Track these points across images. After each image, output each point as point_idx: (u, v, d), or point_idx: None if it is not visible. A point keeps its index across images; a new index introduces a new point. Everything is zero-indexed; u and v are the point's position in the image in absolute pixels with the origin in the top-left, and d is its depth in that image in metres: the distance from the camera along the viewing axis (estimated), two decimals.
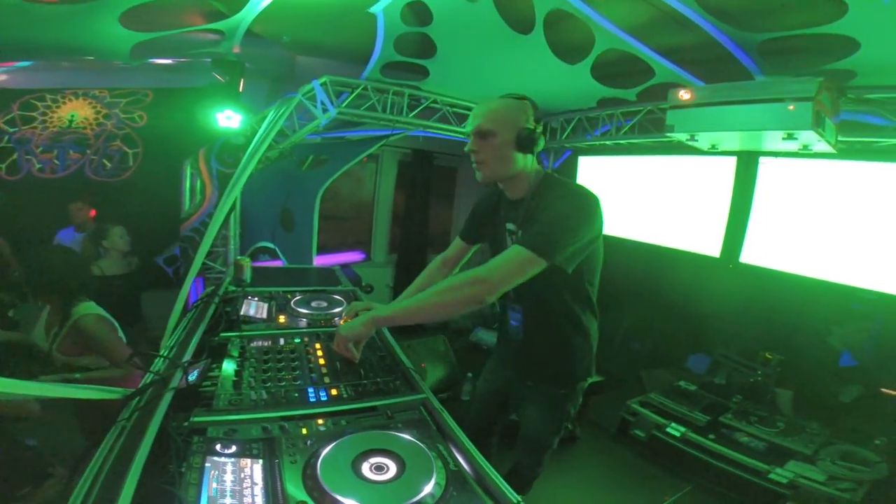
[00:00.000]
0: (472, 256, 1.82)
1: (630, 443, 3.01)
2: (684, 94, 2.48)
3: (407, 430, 1.05)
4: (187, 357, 1.34)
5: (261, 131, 2.90)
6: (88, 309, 1.96)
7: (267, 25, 2.58)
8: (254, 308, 1.90)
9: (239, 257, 2.30)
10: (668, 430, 2.82)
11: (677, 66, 2.64)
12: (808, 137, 2.15)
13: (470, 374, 3.38)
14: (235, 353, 1.41)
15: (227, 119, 2.91)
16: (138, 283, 3.17)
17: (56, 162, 3.72)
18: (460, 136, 3.86)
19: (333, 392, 1.23)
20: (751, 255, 3.03)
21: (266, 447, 0.95)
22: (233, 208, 3.09)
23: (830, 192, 2.67)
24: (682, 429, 2.78)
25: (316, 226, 3.58)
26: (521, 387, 1.67)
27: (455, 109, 3.69)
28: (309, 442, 0.98)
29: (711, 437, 2.68)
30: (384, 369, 1.36)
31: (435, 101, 3.53)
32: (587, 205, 1.32)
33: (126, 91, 3.73)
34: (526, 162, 1.40)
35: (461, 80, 3.21)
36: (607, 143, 3.72)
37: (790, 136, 2.17)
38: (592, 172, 4.20)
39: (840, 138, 2.31)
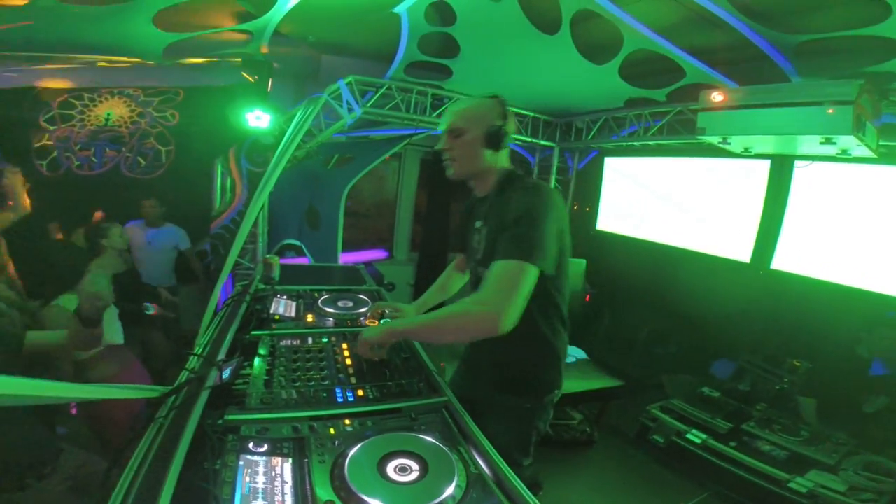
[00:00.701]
0: None
1: (648, 448, 2.97)
2: (717, 96, 2.42)
3: (430, 433, 1.07)
4: (221, 356, 1.37)
5: (290, 131, 2.96)
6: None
7: (293, 25, 2.63)
8: (283, 307, 1.94)
9: (268, 255, 2.35)
10: (689, 436, 2.77)
11: (709, 66, 2.58)
12: (848, 142, 2.07)
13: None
14: (265, 352, 1.44)
15: (257, 119, 2.97)
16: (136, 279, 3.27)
17: (94, 159, 3.88)
18: None
19: (360, 393, 1.25)
20: (782, 261, 2.94)
21: (296, 446, 0.97)
22: (263, 207, 3.16)
23: (869, 198, 2.57)
24: (703, 436, 2.73)
25: (341, 224, 3.63)
26: (486, 397, 1.51)
27: None
28: (336, 442, 1.01)
29: (733, 444, 2.63)
30: (408, 371, 1.38)
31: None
32: (544, 197, 1.31)
33: (158, 90, 3.85)
34: (495, 159, 1.44)
35: (485, 79, 3.20)
36: (635, 143, 3.65)
37: (828, 141, 2.10)
38: (619, 173, 4.13)
39: (882, 142, 2.22)
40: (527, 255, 1.19)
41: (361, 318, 1.88)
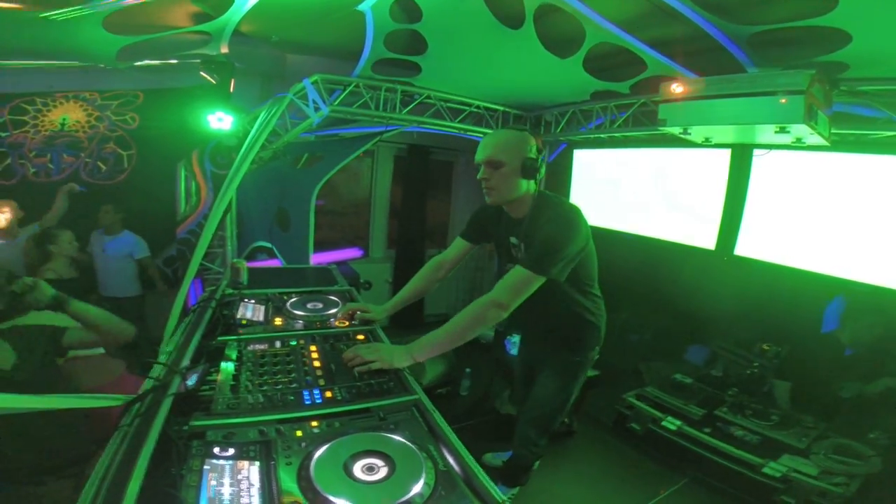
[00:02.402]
0: (466, 259, 2.06)
1: (627, 436, 3.04)
2: (676, 88, 2.47)
3: (398, 431, 1.08)
4: (186, 362, 1.35)
5: (252, 132, 2.89)
6: None
7: (254, 25, 2.57)
8: (251, 311, 1.91)
9: (235, 259, 2.30)
10: (664, 423, 2.84)
11: (669, 58, 2.63)
12: (801, 130, 2.15)
13: (468, 370, 3.40)
14: (233, 357, 1.44)
15: (219, 121, 2.90)
16: (88, 287, 3.18)
17: (50, 166, 3.70)
18: (455, 130, 3.85)
19: (328, 394, 1.26)
20: (745, 247, 3.03)
21: (263, 449, 0.97)
22: (228, 209, 3.09)
23: (825, 185, 2.67)
24: (678, 422, 2.80)
25: (312, 224, 3.58)
26: (540, 355, 2.07)
27: (449, 105, 3.68)
28: (304, 444, 1.01)
29: (706, 430, 2.70)
30: (378, 370, 1.39)
31: (429, 97, 3.52)
32: (571, 224, 1.58)
33: (117, 93, 3.71)
34: (528, 186, 1.66)
35: (454, 75, 3.20)
36: (602, 136, 3.72)
37: (783, 130, 2.17)
38: (588, 165, 4.20)
39: (833, 130, 2.31)
40: (537, 269, 1.50)
41: (331, 320, 1.87)
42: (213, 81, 2.93)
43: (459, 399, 3.31)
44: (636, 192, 3.76)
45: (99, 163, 3.80)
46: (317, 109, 3.11)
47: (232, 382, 1.25)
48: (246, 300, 2.04)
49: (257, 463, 0.92)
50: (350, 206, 5.15)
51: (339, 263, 3.92)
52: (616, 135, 3.56)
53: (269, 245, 3.58)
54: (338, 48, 2.95)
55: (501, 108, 3.99)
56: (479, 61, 2.97)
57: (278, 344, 1.60)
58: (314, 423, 1.09)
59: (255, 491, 0.85)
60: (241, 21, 2.40)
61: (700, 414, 2.84)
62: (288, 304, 2.03)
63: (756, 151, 2.90)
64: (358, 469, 0.93)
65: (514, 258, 1.76)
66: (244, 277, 2.29)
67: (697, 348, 3.50)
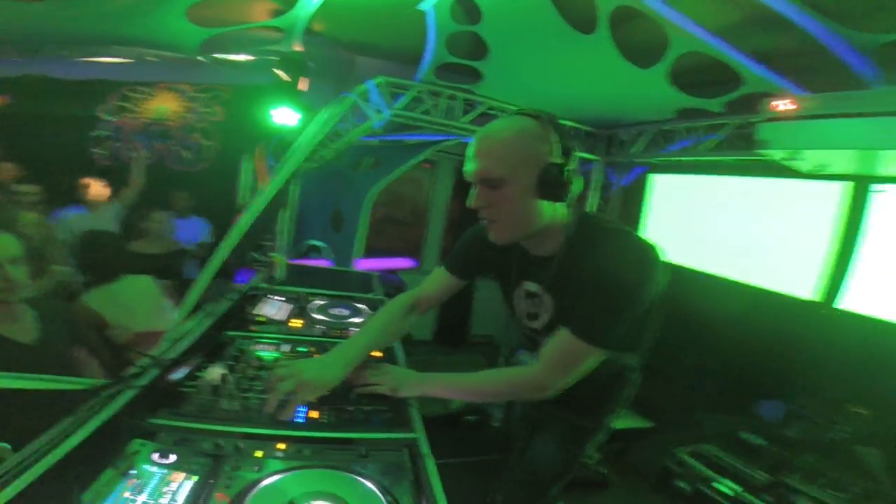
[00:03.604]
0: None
1: (671, 495, 2.64)
2: (784, 104, 2.08)
3: (375, 475, 0.91)
4: (176, 353, 1.30)
5: (310, 128, 2.93)
6: None
7: (325, 24, 2.60)
8: (274, 308, 1.87)
9: (273, 254, 2.30)
10: (718, 485, 2.42)
11: (773, 73, 2.26)
12: None
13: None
14: (232, 355, 1.36)
15: (285, 116, 2.97)
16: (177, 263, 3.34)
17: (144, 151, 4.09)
18: None
19: (313, 414, 1.13)
20: (852, 299, 2.50)
21: (209, 465, 0.87)
22: (284, 205, 3.15)
23: None
24: (736, 487, 2.37)
25: (363, 228, 3.58)
26: (547, 413, 1.53)
27: None
28: (257, 467, 0.89)
29: (768, 499, 2.27)
30: (381, 395, 1.22)
31: (491, 108, 3.36)
32: (642, 268, 1.02)
33: (208, 87, 4.01)
34: (556, 211, 1.06)
35: (517, 83, 3.02)
36: (686, 159, 3.31)
37: None
38: (667, 192, 3.78)
39: None
40: (599, 341, 1.05)
41: (350, 329, 1.77)
42: (286, 79, 3.02)
43: (489, 429, 3.08)
44: (721, 227, 3.30)
45: (183, 151, 4.12)
46: (378, 112, 3.09)
47: (217, 384, 1.16)
48: (274, 297, 2.01)
49: (195, 479, 0.82)
50: (410, 215, 5.13)
51: (388, 272, 3.88)
52: (704, 159, 3.15)
53: (322, 244, 3.63)
54: (403, 52, 2.92)
55: (571, 123, 3.73)
56: (546, 69, 2.76)
57: (286, 348, 1.50)
58: (281, 446, 0.98)
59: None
60: (313, 20, 2.44)
61: (765, 480, 2.38)
62: (311, 306, 1.97)
63: (875, 186, 2.39)
64: None
65: (533, 314, 1.24)
66: (279, 273, 2.28)
67: (772, 404, 2.99)
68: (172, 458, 0.86)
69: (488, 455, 2.70)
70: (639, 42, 2.30)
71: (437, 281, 1.39)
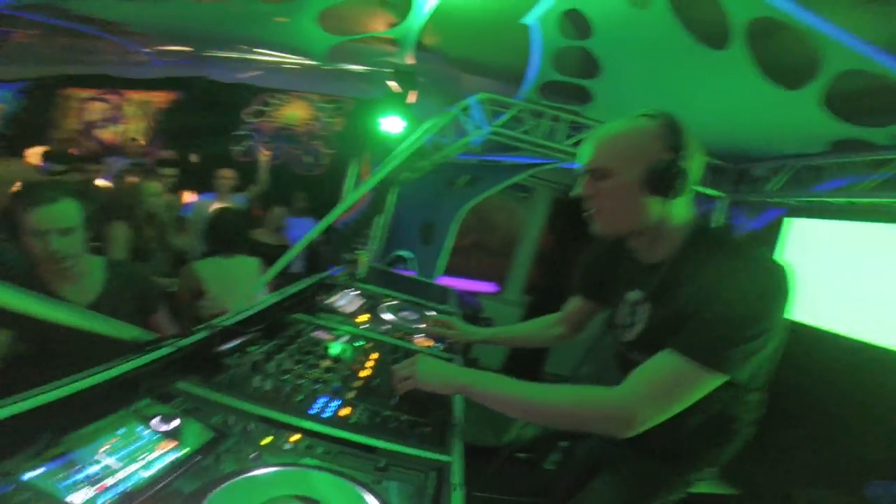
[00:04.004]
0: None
1: None
2: None
3: (387, 495, 0.79)
4: (231, 322, 1.27)
5: (411, 137, 3.03)
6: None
7: (434, 37, 2.68)
8: (345, 301, 1.89)
9: (358, 251, 2.38)
10: None
11: None
12: None
13: (566, 444, 2.86)
14: (288, 336, 1.36)
15: (391, 124, 3.12)
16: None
17: (275, 153, 4.63)
18: None
19: (343, 411, 1.04)
20: None
21: (209, 441, 0.81)
22: (381, 211, 3.30)
23: None
24: None
25: (450, 243, 3.57)
26: (616, 451, 1.28)
27: None
28: (253, 455, 0.81)
29: None
30: (424, 405, 1.10)
31: None
32: (772, 284, 0.89)
33: (334, 98, 4.42)
34: (665, 210, 0.98)
35: (632, 104, 2.73)
36: (838, 201, 2.73)
37: None
38: (808, 240, 3.15)
39: None
40: (712, 362, 0.86)
41: (415, 336, 1.72)
42: (398, 90, 3.18)
43: (540, 473, 2.80)
44: (869, 282, 2.63)
45: (305, 156, 4.57)
46: (478, 129, 3.08)
47: (260, 360, 1.15)
48: (350, 291, 2.04)
49: (184, 451, 0.77)
50: (499, 244, 4.99)
51: (468, 293, 3.82)
52: (862, 200, 2.56)
53: (409, 255, 3.71)
54: (508, 69, 2.89)
55: None
56: (667, 89, 2.49)
57: (344, 338, 1.46)
58: (294, 438, 0.89)
59: (136, 479, 0.68)
60: (423, 32, 2.53)
61: None
62: (381, 305, 1.97)
63: None
64: None
65: (628, 324, 1.11)
66: (361, 270, 2.33)
67: (887, 484, 2.27)
68: (174, 424, 0.81)
69: (533, 499, 2.46)
70: (784, 58, 1.96)
71: (570, 303, 1.47)
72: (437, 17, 2.30)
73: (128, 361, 0.96)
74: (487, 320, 3.58)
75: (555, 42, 2.31)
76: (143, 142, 4.74)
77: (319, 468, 0.81)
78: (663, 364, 0.88)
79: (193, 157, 4.26)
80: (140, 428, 0.79)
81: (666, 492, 1.20)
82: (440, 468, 0.90)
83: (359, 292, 2.02)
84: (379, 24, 2.62)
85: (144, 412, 0.83)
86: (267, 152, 4.15)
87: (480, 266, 4.92)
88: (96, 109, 4.94)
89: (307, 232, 3.98)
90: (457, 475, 0.89)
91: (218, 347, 1.15)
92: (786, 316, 0.91)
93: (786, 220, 3.26)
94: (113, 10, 2.73)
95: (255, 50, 3.49)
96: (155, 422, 0.81)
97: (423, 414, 1.08)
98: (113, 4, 2.65)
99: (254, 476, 0.75)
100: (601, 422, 0.92)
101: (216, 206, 3.47)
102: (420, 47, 2.77)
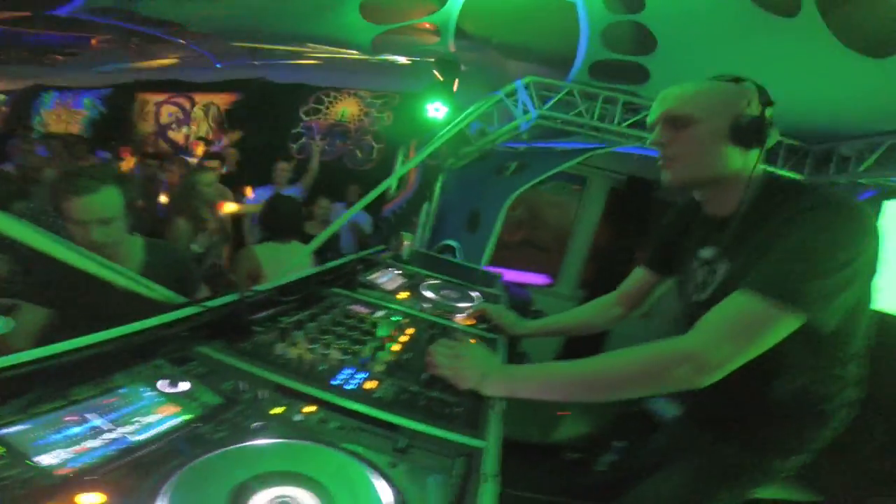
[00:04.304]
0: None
1: None
2: None
3: (401, 479, 0.65)
4: (265, 289, 1.25)
5: (455, 119, 3.00)
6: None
7: (475, 21, 2.63)
8: (386, 278, 1.85)
9: (403, 233, 2.39)
10: None
11: None
12: None
13: (621, 444, 2.68)
14: (322, 307, 1.31)
15: (436, 111, 3.11)
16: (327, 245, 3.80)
17: (327, 148, 4.79)
18: None
19: (369, 384, 0.95)
20: None
21: (214, 407, 0.73)
22: (422, 198, 3.30)
23: None
24: None
25: (497, 231, 3.50)
26: (688, 433, 1.21)
27: None
28: (257, 425, 0.73)
29: None
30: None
31: None
32: (853, 219, 0.84)
33: (382, 93, 4.49)
34: (746, 161, 0.96)
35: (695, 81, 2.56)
36: None
37: None
38: None
39: None
40: (786, 298, 0.79)
41: (457, 315, 1.67)
42: (441, 79, 3.17)
43: (592, 474, 2.62)
44: None
45: (357, 151, 4.69)
46: (525, 113, 2.99)
47: (290, 327, 1.11)
48: (390, 269, 2.01)
49: (185, 417, 0.68)
50: (551, 241, 4.77)
51: (517, 285, 3.71)
52: None
53: (455, 244, 3.68)
54: (555, 54, 2.77)
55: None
56: (732, 63, 2.26)
57: (381, 313, 1.36)
58: (308, 409, 0.80)
59: (114, 444, 0.60)
60: (464, 19, 2.49)
61: None
62: (423, 283, 1.93)
63: None
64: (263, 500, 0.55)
65: (700, 284, 1.06)
66: (405, 252, 2.32)
67: None
68: (182, 387, 0.76)
69: (582, 501, 2.24)
70: (866, 24, 1.72)
71: (633, 276, 1.38)
72: (477, 1, 2.25)
73: (147, 320, 0.94)
74: (538, 313, 3.46)
75: (603, 18, 2.18)
76: (209, 140, 5.11)
77: (327, 444, 0.70)
78: (734, 303, 0.83)
79: (252, 153, 4.53)
80: (144, 389, 0.74)
81: (745, 482, 1.08)
82: (470, 454, 0.77)
83: (401, 272, 1.95)
84: (418, 12, 2.61)
85: (154, 373, 0.78)
86: (320, 142, 4.31)
87: (531, 259, 4.77)
88: (169, 112, 5.40)
89: (359, 219, 4.10)
90: (490, 464, 0.75)
91: (248, 315, 1.10)
92: (872, 255, 0.85)
93: (884, 202, 2.88)
94: (172, 10, 2.93)
95: (306, 45, 3.61)
96: (162, 383, 0.76)
97: (457, 393, 0.97)
98: (172, 5, 2.84)
99: (246, 447, 0.66)
100: (674, 372, 0.82)
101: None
102: (462, 35, 2.72)
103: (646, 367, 0.87)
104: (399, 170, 2.83)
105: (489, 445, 0.80)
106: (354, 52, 3.38)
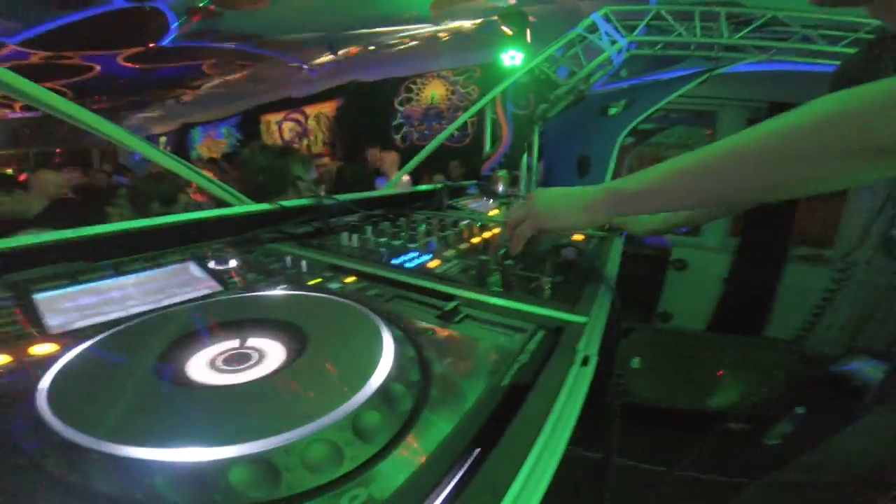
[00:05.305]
0: None
1: None
2: None
3: (433, 347, 0.48)
4: (340, 197, 1.32)
5: (535, 58, 2.88)
6: None
7: None
8: (477, 204, 1.86)
9: (499, 172, 2.41)
10: None
11: None
12: None
13: (801, 410, 2.10)
14: (413, 216, 1.31)
15: (511, 59, 3.04)
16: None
17: (426, 132, 5.00)
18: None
19: (433, 263, 0.81)
20: None
21: (251, 282, 0.70)
22: (521, 150, 3.25)
23: None
24: None
25: (611, 171, 3.27)
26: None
27: (820, 31, 2.39)
28: (282, 287, 0.67)
29: None
30: (558, 266, 0.80)
31: (775, 19, 2.45)
32: None
33: (464, 69, 4.54)
34: None
35: None
36: None
37: None
38: None
39: None
40: None
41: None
42: (511, 33, 3.10)
43: (759, 447, 2.05)
44: None
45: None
46: (614, 43, 2.76)
47: (370, 225, 1.08)
48: (485, 200, 2.01)
49: (210, 290, 0.66)
50: None
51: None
52: None
53: None
54: None
55: None
56: None
57: (465, 222, 1.18)
58: (349, 279, 0.71)
59: (135, 308, 0.59)
60: None
61: None
62: (516, 200, 1.88)
63: None
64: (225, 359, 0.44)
65: None
66: (500, 188, 2.34)
67: None
68: (231, 264, 0.76)
69: (748, 478, 1.69)
70: None
71: None
72: None
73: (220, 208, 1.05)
74: (678, 263, 2.97)
75: None
76: (325, 146, 5.72)
77: (340, 297, 0.58)
78: None
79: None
80: (193, 267, 0.75)
81: None
82: (554, 329, 0.54)
83: (493, 202, 1.94)
84: None
85: (207, 254, 0.77)
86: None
87: None
88: (289, 128, 6.18)
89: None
90: (592, 343, 0.51)
91: (322, 220, 1.11)
92: None
93: None
94: (250, 23, 3.30)
95: (376, 31, 3.80)
96: (212, 263, 0.75)
97: (558, 272, 0.75)
98: (248, 17, 3.20)
99: (239, 297, 0.61)
100: (827, 131, 0.50)
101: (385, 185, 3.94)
102: None
103: (835, 115, 0.50)
104: (463, 115, 2.85)
105: (592, 321, 0.57)
106: (421, 26, 3.46)
